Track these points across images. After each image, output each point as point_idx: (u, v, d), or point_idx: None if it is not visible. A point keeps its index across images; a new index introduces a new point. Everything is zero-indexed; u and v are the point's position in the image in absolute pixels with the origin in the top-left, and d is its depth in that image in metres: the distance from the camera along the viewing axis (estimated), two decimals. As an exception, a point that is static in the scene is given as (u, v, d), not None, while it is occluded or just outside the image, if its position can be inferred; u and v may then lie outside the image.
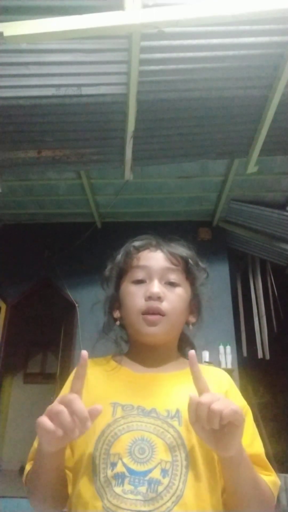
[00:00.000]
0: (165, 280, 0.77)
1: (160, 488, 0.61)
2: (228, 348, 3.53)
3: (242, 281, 4.73)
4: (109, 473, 0.63)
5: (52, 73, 2.05)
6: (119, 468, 0.63)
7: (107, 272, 0.86)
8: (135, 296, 0.76)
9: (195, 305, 0.83)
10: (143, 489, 0.60)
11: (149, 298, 0.74)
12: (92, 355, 0.86)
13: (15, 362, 4.89)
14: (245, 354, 4.44)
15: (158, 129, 2.44)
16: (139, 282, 0.77)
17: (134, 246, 0.82)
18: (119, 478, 0.62)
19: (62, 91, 2.12)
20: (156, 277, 0.76)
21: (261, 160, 2.71)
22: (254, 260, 4.55)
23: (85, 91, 2.13)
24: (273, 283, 4.52)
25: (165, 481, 0.62)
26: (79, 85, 2.11)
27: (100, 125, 2.39)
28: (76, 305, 3.66)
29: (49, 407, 0.56)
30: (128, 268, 0.80)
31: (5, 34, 1.63)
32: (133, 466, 0.63)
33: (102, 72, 2.08)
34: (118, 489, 0.61)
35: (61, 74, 2.06)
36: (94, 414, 0.56)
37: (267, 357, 4.25)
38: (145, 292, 0.75)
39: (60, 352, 4.15)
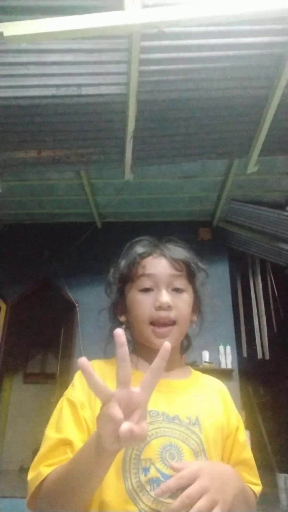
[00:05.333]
0: (171, 287, 0.78)
1: None
2: (228, 348, 3.54)
3: (242, 281, 4.74)
4: (142, 478, 0.65)
5: (52, 73, 2.05)
6: (153, 473, 0.65)
7: (110, 277, 0.86)
8: (144, 306, 0.76)
9: (196, 304, 0.83)
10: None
11: (159, 307, 0.75)
12: (93, 356, 0.86)
13: (15, 362, 4.89)
14: (245, 354, 4.45)
15: (158, 129, 2.44)
16: (147, 290, 0.78)
17: (138, 254, 0.81)
18: (154, 483, 0.64)
19: (62, 91, 2.12)
20: (163, 286, 0.77)
21: (261, 160, 2.71)
22: (254, 260, 4.55)
23: (85, 91, 2.14)
24: (273, 283, 4.53)
25: None
26: (79, 85, 2.11)
27: (100, 125, 2.39)
28: (76, 305, 3.66)
29: (112, 412, 0.49)
30: (134, 276, 0.80)
31: (5, 34, 1.63)
32: (166, 471, 0.65)
33: (102, 72, 2.08)
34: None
35: (61, 74, 2.06)
36: None
37: (267, 357, 4.25)
38: (155, 301, 0.76)
39: (60, 352, 4.15)
